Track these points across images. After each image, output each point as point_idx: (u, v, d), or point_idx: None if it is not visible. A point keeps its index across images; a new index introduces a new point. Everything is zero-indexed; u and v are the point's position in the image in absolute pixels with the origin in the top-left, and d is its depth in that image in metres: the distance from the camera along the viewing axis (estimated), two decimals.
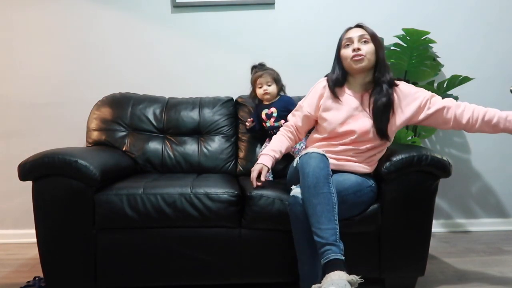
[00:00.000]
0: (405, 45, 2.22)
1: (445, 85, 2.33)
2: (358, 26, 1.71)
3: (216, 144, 2.21)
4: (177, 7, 2.47)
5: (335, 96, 1.73)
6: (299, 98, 1.97)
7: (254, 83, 2.11)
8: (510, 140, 2.59)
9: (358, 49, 1.65)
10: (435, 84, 2.40)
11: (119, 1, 2.46)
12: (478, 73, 2.48)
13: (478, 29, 2.53)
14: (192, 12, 2.48)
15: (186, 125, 2.24)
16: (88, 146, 2.18)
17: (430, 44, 2.24)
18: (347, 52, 1.68)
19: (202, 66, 2.50)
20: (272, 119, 2.06)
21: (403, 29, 2.16)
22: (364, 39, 1.67)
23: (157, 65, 2.50)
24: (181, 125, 2.24)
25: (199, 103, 2.30)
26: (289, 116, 1.87)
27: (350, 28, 1.72)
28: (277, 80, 2.09)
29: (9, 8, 2.44)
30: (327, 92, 1.75)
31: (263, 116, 2.09)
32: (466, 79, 2.28)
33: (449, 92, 2.40)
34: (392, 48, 2.29)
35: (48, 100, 2.48)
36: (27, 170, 1.62)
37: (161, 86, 2.46)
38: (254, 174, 1.68)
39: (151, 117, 2.25)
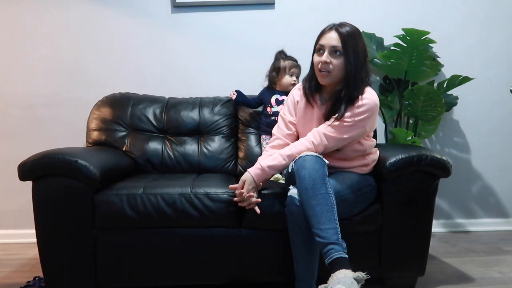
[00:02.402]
0: (405, 45, 2.21)
1: (445, 85, 2.33)
2: (335, 29, 1.58)
3: (216, 144, 2.21)
4: (177, 7, 2.46)
5: (307, 104, 1.71)
6: None
7: (286, 69, 2.10)
8: (510, 140, 2.60)
9: (326, 62, 1.57)
10: (435, 84, 2.40)
11: (119, 1, 2.46)
12: (478, 73, 2.48)
13: (478, 29, 2.52)
14: (192, 12, 2.48)
15: (186, 125, 2.24)
16: (88, 146, 2.18)
17: (430, 44, 2.24)
18: (317, 60, 1.61)
19: (202, 66, 2.50)
20: (281, 106, 2.09)
21: (403, 29, 2.16)
22: (336, 51, 1.56)
23: (157, 65, 2.50)
24: (181, 125, 2.24)
25: (199, 103, 2.30)
26: (274, 131, 1.80)
27: (326, 31, 1.61)
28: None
29: (9, 8, 2.44)
30: (301, 100, 1.74)
31: (273, 100, 2.12)
32: (466, 79, 2.28)
33: (449, 92, 2.40)
34: (392, 48, 2.29)
35: (48, 100, 2.48)
36: (27, 170, 1.62)
37: (161, 86, 2.46)
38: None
39: (151, 117, 2.25)
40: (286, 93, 2.10)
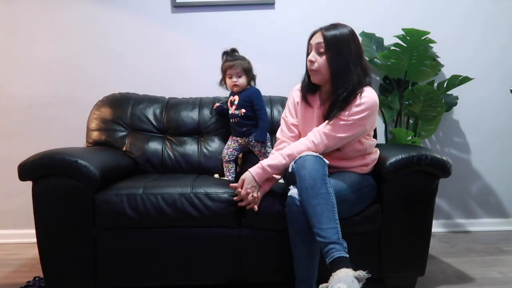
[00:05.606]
0: (405, 45, 2.21)
1: (445, 85, 2.33)
2: (321, 30, 1.62)
3: (216, 144, 2.21)
4: (177, 7, 2.47)
5: (306, 104, 1.73)
6: None
7: (224, 72, 2.05)
8: (510, 140, 2.60)
9: (311, 61, 1.62)
10: (435, 84, 2.40)
11: (119, 1, 2.46)
12: (478, 73, 2.48)
13: (478, 29, 2.52)
14: (192, 12, 2.48)
15: (186, 125, 2.24)
16: (88, 146, 2.18)
17: (430, 44, 2.24)
18: (307, 61, 1.67)
19: (202, 66, 2.50)
20: (234, 107, 2.04)
21: (403, 29, 2.16)
22: (320, 50, 1.60)
23: (157, 65, 2.50)
24: (181, 125, 2.24)
25: (199, 103, 2.30)
26: (278, 135, 1.81)
27: (314, 33, 1.66)
28: (247, 70, 2.03)
29: (10, 9, 2.44)
30: (301, 100, 1.76)
31: (229, 102, 2.08)
32: (466, 79, 2.28)
33: (449, 92, 2.40)
34: (392, 48, 2.29)
35: (48, 100, 2.48)
36: (27, 170, 1.62)
37: (161, 86, 2.46)
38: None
39: (151, 117, 2.25)
40: (237, 93, 2.05)
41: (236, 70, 2.01)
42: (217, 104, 2.20)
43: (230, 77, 2.03)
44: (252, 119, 2.04)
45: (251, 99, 2.02)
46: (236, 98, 2.04)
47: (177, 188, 1.70)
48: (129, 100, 2.28)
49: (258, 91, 2.07)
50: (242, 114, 2.02)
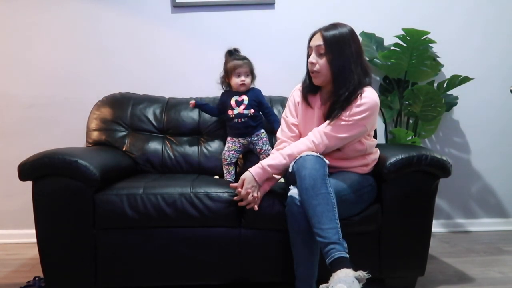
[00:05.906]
0: (405, 45, 2.21)
1: (445, 85, 2.33)
2: (320, 31, 1.62)
3: (216, 144, 2.21)
4: (177, 7, 2.47)
5: (307, 105, 1.73)
6: None
7: (231, 70, 2.02)
8: (510, 140, 2.60)
9: (312, 63, 1.62)
10: (435, 84, 2.40)
11: (119, 1, 2.46)
12: (478, 73, 2.48)
13: (478, 29, 2.52)
14: (192, 12, 2.48)
15: (186, 125, 2.24)
16: (88, 146, 2.18)
17: (430, 44, 2.24)
18: (307, 62, 1.66)
19: (202, 66, 2.50)
20: (242, 106, 2.02)
21: (403, 29, 2.16)
22: (320, 51, 1.60)
23: (157, 65, 2.50)
24: (181, 125, 2.24)
25: None
26: (278, 134, 1.80)
27: (313, 34, 1.65)
28: (252, 71, 2.06)
29: (10, 9, 2.44)
30: (301, 100, 1.75)
31: (232, 102, 2.04)
32: (466, 79, 2.28)
33: (449, 92, 2.40)
34: (392, 48, 2.29)
35: (48, 100, 2.48)
36: (27, 170, 1.62)
37: (161, 86, 2.46)
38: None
39: (151, 117, 2.25)
40: (243, 93, 2.04)
41: (245, 69, 2.02)
42: (192, 102, 2.15)
43: (238, 76, 2.02)
44: (257, 119, 2.05)
45: (260, 99, 2.05)
46: (245, 98, 2.03)
47: (177, 188, 1.70)
48: (129, 100, 2.28)
49: (261, 91, 2.09)
50: (251, 114, 2.02)
